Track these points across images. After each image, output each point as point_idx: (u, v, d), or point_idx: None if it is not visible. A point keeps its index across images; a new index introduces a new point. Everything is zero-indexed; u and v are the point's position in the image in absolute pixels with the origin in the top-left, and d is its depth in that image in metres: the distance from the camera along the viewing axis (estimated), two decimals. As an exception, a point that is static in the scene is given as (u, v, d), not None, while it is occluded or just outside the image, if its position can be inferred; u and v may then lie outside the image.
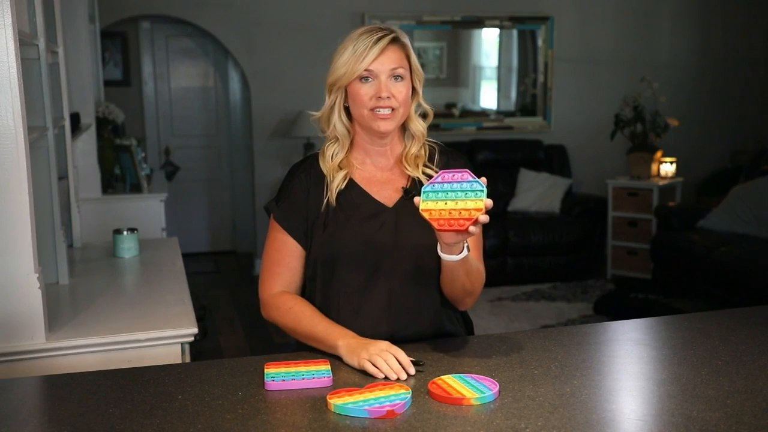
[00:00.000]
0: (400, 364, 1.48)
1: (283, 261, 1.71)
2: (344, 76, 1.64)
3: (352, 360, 1.52)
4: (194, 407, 1.34)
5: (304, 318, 1.65)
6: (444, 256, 1.54)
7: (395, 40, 1.65)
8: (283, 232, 1.71)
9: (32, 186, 1.81)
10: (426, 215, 1.43)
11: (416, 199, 1.47)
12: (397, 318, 1.67)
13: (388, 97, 1.63)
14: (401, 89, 1.65)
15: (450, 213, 1.40)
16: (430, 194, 1.44)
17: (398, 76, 1.65)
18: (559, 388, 1.40)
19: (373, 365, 1.48)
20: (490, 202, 1.42)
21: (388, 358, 1.48)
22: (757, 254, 4.49)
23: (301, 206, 1.70)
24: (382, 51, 1.63)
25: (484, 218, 1.41)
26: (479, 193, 1.40)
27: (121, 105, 4.53)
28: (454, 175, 1.44)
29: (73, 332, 1.90)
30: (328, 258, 1.66)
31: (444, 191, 1.43)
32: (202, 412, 1.32)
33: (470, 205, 1.40)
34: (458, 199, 1.41)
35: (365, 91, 1.64)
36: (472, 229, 1.41)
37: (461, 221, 1.40)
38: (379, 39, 1.63)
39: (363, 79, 1.64)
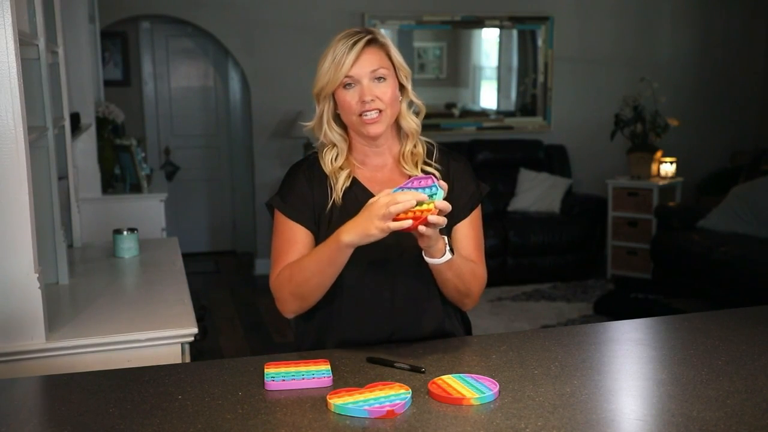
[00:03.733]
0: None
1: (292, 249, 1.67)
2: (327, 85, 1.65)
3: (368, 237, 1.48)
4: (194, 407, 1.34)
5: (304, 262, 1.61)
6: (427, 259, 1.57)
7: (372, 42, 1.65)
8: (291, 222, 1.69)
9: (32, 186, 1.81)
10: None
11: None
12: (398, 316, 1.67)
13: (372, 100, 1.63)
14: (385, 90, 1.65)
15: (406, 213, 1.46)
16: None
17: (380, 77, 1.64)
18: (559, 388, 1.40)
19: (395, 221, 1.45)
20: (441, 204, 1.45)
21: (396, 206, 1.45)
22: (757, 254, 4.49)
23: (306, 196, 1.70)
24: (359, 55, 1.62)
25: (435, 219, 1.44)
26: (433, 196, 1.47)
27: (121, 105, 4.52)
28: (421, 181, 1.50)
29: (73, 332, 1.90)
30: None
31: None
32: (202, 412, 1.32)
33: (423, 206, 1.46)
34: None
35: (350, 97, 1.64)
36: (421, 228, 1.45)
37: (412, 220, 1.45)
38: (355, 43, 1.63)
39: (346, 85, 1.64)
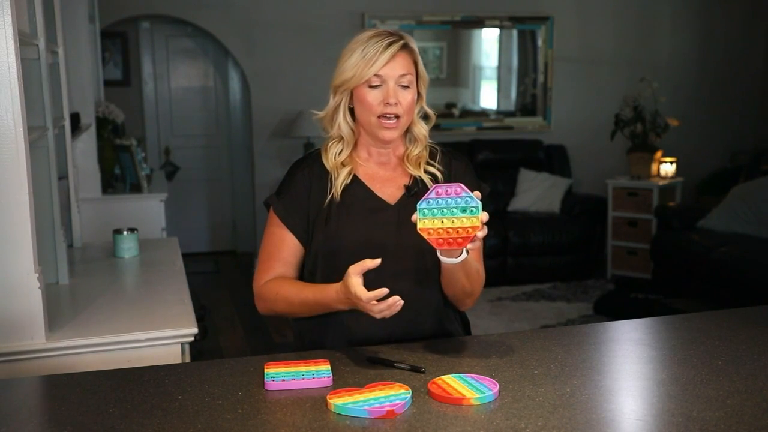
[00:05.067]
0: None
1: (279, 255, 1.71)
2: (352, 79, 1.64)
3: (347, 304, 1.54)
4: (194, 407, 1.34)
5: (291, 295, 1.66)
6: (443, 259, 1.55)
7: (405, 47, 1.65)
8: (282, 226, 1.71)
9: (32, 186, 1.81)
10: (425, 235, 1.46)
11: (414, 216, 1.48)
12: (397, 316, 1.67)
13: (395, 104, 1.64)
14: (407, 96, 1.65)
15: (447, 232, 1.43)
16: (426, 212, 1.45)
17: (406, 83, 1.65)
18: (559, 388, 1.40)
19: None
20: (485, 217, 1.44)
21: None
22: (757, 254, 4.49)
23: (302, 202, 1.71)
24: (392, 57, 1.63)
25: (482, 233, 1.44)
26: (474, 210, 1.42)
27: (121, 105, 4.52)
28: (447, 190, 1.45)
29: (73, 332, 1.90)
30: (330, 252, 1.66)
31: (439, 208, 1.44)
32: (202, 412, 1.32)
33: (467, 223, 1.42)
34: (454, 217, 1.43)
35: (373, 96, 1.64)
36: (469, 246, 1.45)
37: (459, 240, 1.43)
38: (390, 44, 1.63)
39: (371, 84, 1.64)
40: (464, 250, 1.53)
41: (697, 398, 1.35)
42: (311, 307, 1.64)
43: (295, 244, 1.71)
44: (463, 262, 1.56)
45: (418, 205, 1.47)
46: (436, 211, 1.45)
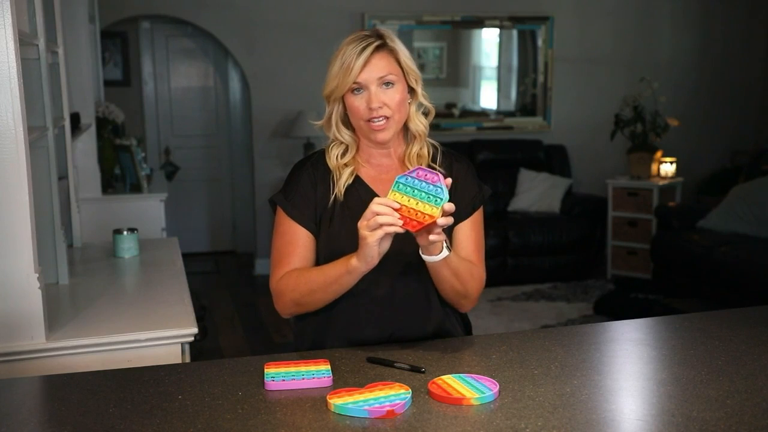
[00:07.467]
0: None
1: (294, 251, 1.68)
2: (336, 89, 1.65)
3: (364, 256, 1.49)
4: (194, 407, 1.34)
5: (311, 276, 1.62)
6: (425, 257, 1.55)
7: (381, 47, 1.64)
8: (293, 223, 1.69)
9: (32, 186, 1.81)
10: None
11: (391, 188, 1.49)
12: (398, 316, 1.67)
13: (380, 107, 1.63)
14: (393, 95, 1.64)
15: (408, 211, 1.45)
16: (401, 186, 1.47)
17: (388, 82, 1.63)
18: (559, 388, 1.40)
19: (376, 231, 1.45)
20: (449, 207, 1.44)
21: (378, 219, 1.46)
22: (757, 254, 4.49)
23: (309, 197, 1.70)
24: (367, 61, 1.61)
25: (442, 221, 1.44)
26: (438, 200, 1.44)
27: (121, 105, 4.52)
28: (427, 175, 1.47)
29: (73, 332, 1.90)
30: (332, 252, 1.66)
31: (413, 187, 1.46)
32: (202, 412, 1.32)
33: (427, 209, 1.44)
34: (420, 200, 1.45)
35: (358, 103, 1.64)
36: (432, 237, 1.45)
37: (413, 222, 1.44)
38: (363, 49, 1.61)
39: (354, 90, 1.64)
40: (445, 247, 1.54)
41: (697, 398, 1.36)
42: (334, 285, 1.59)
43: (309, 238, 1.69)
44: (447, 260, 1.56)
45: (397, 177, 1.48)
46: (409, 189, 1.46)
